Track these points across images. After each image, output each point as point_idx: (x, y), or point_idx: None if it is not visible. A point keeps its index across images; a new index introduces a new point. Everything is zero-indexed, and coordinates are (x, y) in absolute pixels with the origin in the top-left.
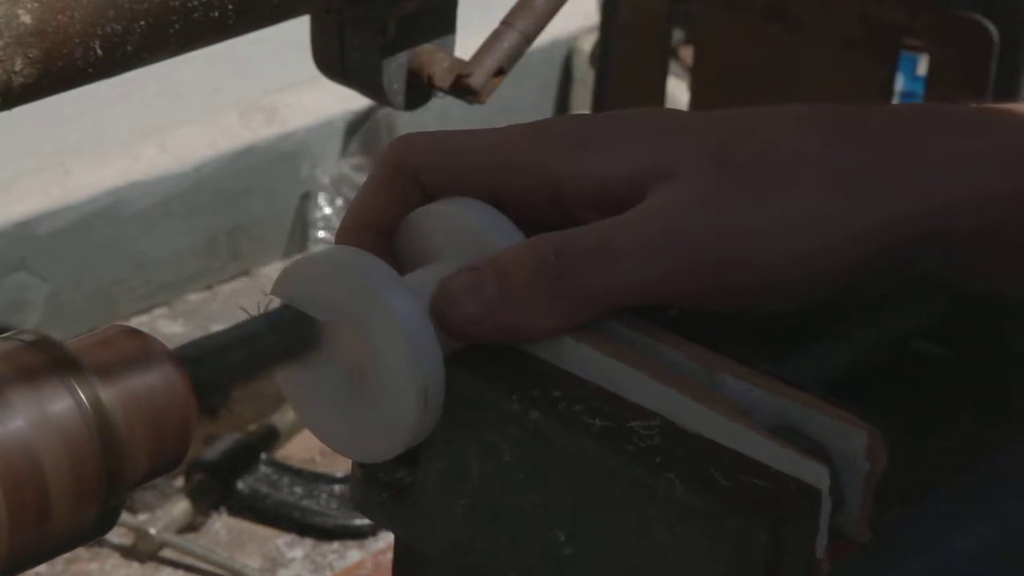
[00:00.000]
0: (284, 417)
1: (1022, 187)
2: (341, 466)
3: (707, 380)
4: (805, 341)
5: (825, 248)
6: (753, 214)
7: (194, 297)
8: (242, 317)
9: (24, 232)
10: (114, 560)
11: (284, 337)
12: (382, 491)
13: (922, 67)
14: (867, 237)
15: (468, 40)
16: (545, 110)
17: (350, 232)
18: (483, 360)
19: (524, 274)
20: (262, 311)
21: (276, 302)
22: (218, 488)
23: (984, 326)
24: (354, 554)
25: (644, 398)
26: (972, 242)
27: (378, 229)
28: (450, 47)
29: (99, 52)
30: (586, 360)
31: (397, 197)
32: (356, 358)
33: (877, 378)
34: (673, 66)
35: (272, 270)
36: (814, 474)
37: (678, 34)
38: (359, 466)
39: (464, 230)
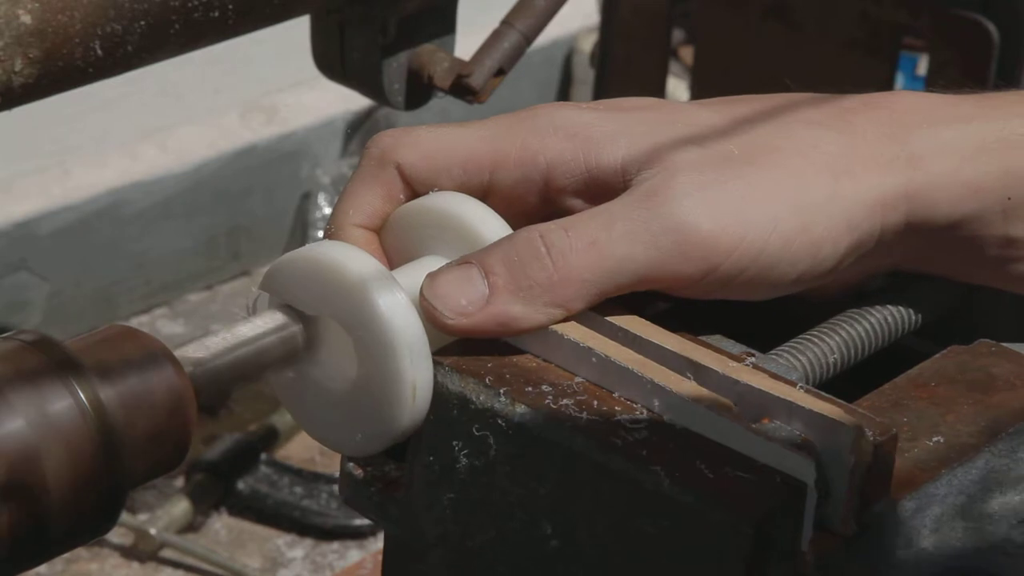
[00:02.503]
0: (284, 417)
1: (997, 176)
2: None
3: (694, 373)
4: (793, 335)
5: (812, 234)
6: (742, 202)
7: (194, 297)
8: (243, 317)
9: (24, 232)
10: (114, 560)
11: (284, 337)
12: (371, 485)
13: (922, 67)
14: (852, 223)
15: (468, 40)
16: None
17: (338, 229)
18: (471, 354)
19: (512, 266)
20: (251, 305)
21: (264, 297)
22: (218, 488)
23: (972, 320)
24: (354, 554)
25: (632, 392)
26: (952, 230)
27: (366, 225)
28: (450, 47)
29: (99, 52)
30: (574, 354)
31: (383, 192)
32: (345, 353)
33: (864, 373)
34: (673, 66)
35: None
36: (800, 467)
37: (678, 34)
38: (348, 460)
39: (452, 225)
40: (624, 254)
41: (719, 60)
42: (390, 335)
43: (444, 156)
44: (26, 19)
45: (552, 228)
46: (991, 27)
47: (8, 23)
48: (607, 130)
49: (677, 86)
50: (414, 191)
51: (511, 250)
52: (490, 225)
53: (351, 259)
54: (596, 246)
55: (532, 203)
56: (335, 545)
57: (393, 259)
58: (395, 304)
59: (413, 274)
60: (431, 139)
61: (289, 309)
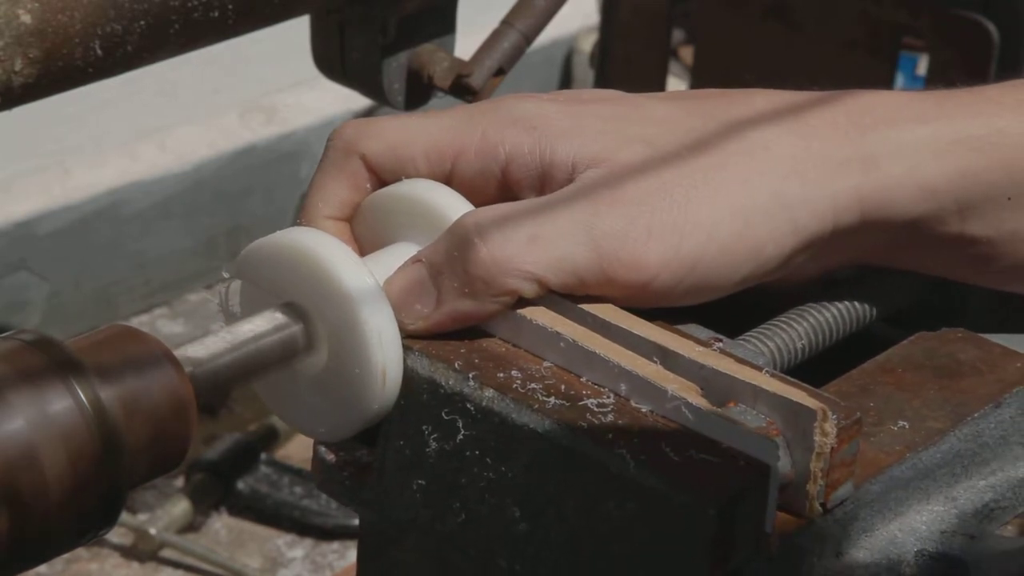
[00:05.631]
0: None
1: (952, 178)
2: None
3: (661, 358)
4: (760, 320)
5: (751, 239)
6: (680, 211)
7: (194, 297)
8: (244, 316)
9: (24, 232)
10: (114, 560)
11: (284, 337)
12: (343, 470)
13: (922, 67)
14: (798, 225)
15: (468, 40)
16: None
17: (310, 222)
18: (440, 339)
19: (453, 264)
20: (224, 292)
21: (237, 284)
22: (218, 488)
23: (942, 309)
24: (354, 554)
25: (599, 376)
26: (909, 228)
27: (337, 216)
28: (450, 47)
29: (99, 52)
30: (543, 339)
31: (350, 183)
32: (317, 339)
33: (835, 359)
34: (673, 66)
35: None
36: (764, 450)
37: (678, 34)
38: (320, 445)
39: (421, 212)
40: (563, 253)
41: (719, 60)
42: (359, 320)
43: (408, 146)
44: (26, 19)
45: (490, 219)
46: (991, 27)
47: (8, 23)
48: (563, 126)
49: (677, 86)
50: (380, 181)
51: (452, 246)
52: (458, 211)
53: (321, 245)
54: (536, 241)
55: (491, 193)
56: (335, 545)
57: (365, 247)
58: (364, 289)
59: (384, 260)
60: (394, 129)
61: (289, 309)
